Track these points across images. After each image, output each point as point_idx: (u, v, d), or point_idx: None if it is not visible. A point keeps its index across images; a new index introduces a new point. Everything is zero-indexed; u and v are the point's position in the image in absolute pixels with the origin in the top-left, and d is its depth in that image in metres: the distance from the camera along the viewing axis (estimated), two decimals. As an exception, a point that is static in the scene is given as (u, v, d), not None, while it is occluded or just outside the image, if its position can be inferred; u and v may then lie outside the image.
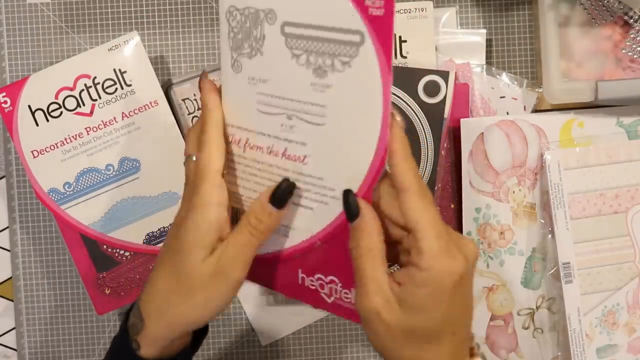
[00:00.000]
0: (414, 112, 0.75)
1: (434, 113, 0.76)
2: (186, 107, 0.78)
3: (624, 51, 0.78)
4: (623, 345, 0.79)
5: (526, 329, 0.80)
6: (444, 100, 0.75)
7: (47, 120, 0.75)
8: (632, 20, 0.77)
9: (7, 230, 0.81)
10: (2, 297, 0.82)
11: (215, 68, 0.79)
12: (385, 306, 0.51)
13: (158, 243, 0.77)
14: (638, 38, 0.77)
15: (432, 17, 0.77)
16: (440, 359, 0.52)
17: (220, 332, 0.82)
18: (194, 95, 0.79)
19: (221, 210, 0.54)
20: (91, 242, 0.76)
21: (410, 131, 0.76)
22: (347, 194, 0.52)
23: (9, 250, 0.81)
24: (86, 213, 0.76)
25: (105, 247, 0.77)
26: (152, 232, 0.77)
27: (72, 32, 0.80)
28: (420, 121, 0.76)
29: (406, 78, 0.75)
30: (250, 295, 0.81)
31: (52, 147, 0.75)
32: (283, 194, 0.54)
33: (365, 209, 0.52)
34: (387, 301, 0.51)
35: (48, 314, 0.77)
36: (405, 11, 0.77)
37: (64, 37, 0.80)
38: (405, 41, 0.77)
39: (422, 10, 0.77)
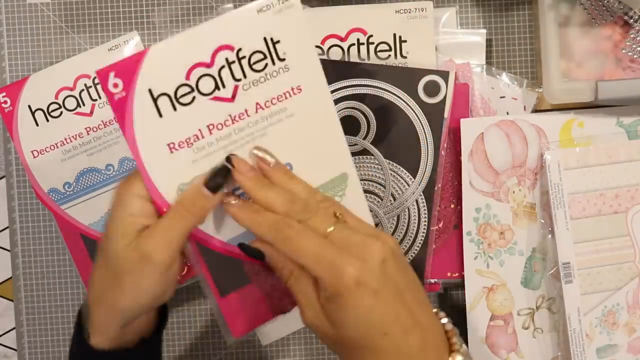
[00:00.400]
0: (414, 112, 0.75)
1: (434, 113, 0.76)
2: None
3: (624, 51, 0.78)
4: (623, 345, 0.79)
5: (526, 329, 0.80)
6: (444, 100, 0.75)
7: (47, 120, 0.75)
8: (632, 20, 0.77)
9: (7, 230, 0.81)
10: (2, 297, 0.83)
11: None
12: (317, 319, 0.55)
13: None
14: (638, 38, 0.77)
15: (432, 17, 0.77)
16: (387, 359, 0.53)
17: (220, 332, 0.82)
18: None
19: (143, 202, 0.56)
20: (91, 242, 0.76)
21: (410, 131, 0.76)
22: (242, 246, 0.58)
23: (9, 250, 0.81)
24: (86, 213, 0.76)
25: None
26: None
27: (72, 32, 0.80)
28: (420, 121, 0.76)
29: (406, 78, 0.75)
30: (250, 295, 0.81)
31: (52, 147, 0.75)
32: (217, 178, 0.56)
33: (264, 247, 0.57)
34: (317, 315, 0.54)
35: (48, 314, 0.77)
36: (405, 11, 0.77)
37: (64, 37, 0.80)
38: (405, 41, 0.77)
39: (422, 10, 0.77)
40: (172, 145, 0.56)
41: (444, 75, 0.75)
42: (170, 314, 0.82)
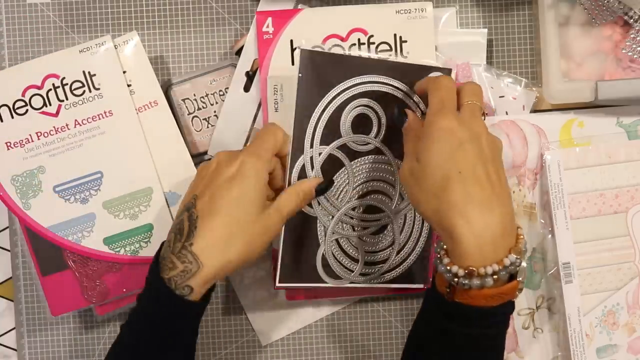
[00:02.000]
0: (419, 108, 0.75)
1: None
2: (186, 107, 0.79)
3: (624, 51, 0.78)
4: (623, 345, 0.79)
5: (526, 329, 0.80)
6: None
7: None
8: (632, 20, 0.77)
9: (7, 230, 0.81)
10: (2, 297, 0.82)
11: (215, 68, 0.79)
12: (412, 163, 0.65)
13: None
14: (638, 38, 0.77)
15: (432, 17, 0.77)
16: (458, 199, 0.60)
17: (220, 332, 0.82)
18: (194, 95, 0.79)
19: (267, 178, 0.69)
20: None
21: None
22: (398, 108, 0.72)
23: (9, 250, 0.81)
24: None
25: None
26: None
27: (72, 32, 0.80)
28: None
29: (409, 74, 0.75)
30: (250, 295, 0.81)
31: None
32: (322, 191, 0.74)
33: (410, 116, 0.70)
34: (413, 161, 0.65)
35: (48, 314, 0.77)
36: (405, 11, 0.77)
37: (64, 37, 0.80)
38: (405, 41, 0.77)
39: (422, 11, 0.77)
40: (9, 144, 0.75)
41: (447, 72, 0.75)
42: (171, 314, 0.82)
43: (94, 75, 0.75)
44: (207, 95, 0.79)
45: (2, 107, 0.75)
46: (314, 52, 0.73)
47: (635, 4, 0.76)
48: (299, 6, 0.78)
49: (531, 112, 0.79)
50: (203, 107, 0.79)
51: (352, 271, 0.76)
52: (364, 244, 0.76)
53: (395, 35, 0.77)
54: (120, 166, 0.76)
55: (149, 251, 0.76)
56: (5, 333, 0.83)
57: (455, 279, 0.59)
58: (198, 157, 0.79)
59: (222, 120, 0.79)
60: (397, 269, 0.77)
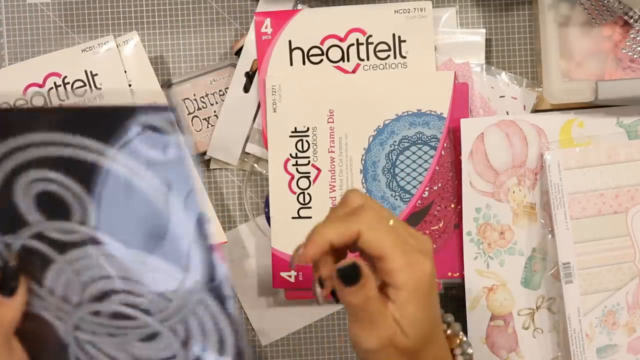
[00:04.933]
0: (135, 172, 0.47)
1: (170, 172, 0.46)
2: (186, 107, 0.79)
3: (624, 51, 0.78)
4: (623, 345, 0.79)
5: (526, 329, 0.80)
6: (179, 152, 0.46)
7: None
8: (632, 20, 0.77)
9: (8, 230, 0.81)
10: (2, 297, 0.82)
11: (215, 68, 0.79)
12: (395, 333, 0.52)
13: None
14: (638, 38, 0.77)
15: (431, 17, 0.77)
16: (437, 356, 0.54)
17: (220, 332, 0.82)
18: (194, 95, 0.79)
19: None
20: None
21: (135, 209, 0.48)
22: (345, 265, 0.52)
23: (9, 250, 0.81)
24: None
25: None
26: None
27: (72, 32, 0.80)
28: (151, 186, 0.47)
29: (106, 125, 0.46)
30: (250, 295, 0.81)
31: None
32: (8, 279, 0.51)
33: (363, 268, 0.52)
34: (394, 329, 0.52)
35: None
36: (405, 11, 0.77)
37: (64, 37, 0.80)
38: (404, 41, 0.77)
39: (421, 10, 0.77)
40: None
41: (163, 113, 0.45)
42: (170, 313, 0.82)
43: (96, 74, 0.75)
44: (207, 95, 0.79)
45: (3, 106, 0.75)
46: None
47: (635, 4, 0.76)
48: (298, 6, 0.78)
49: (531, 112, 0.79)
50: (203, 107, 0.79)
51: None
52: (134, 349, 0.53)
53: (394, 35, 0.77)
54: None
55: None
56: (6, 333, 0.83)
57: None
58: (198, 157, 0.79)
59: (222, 120, 0.79)
60: None
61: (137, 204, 0.47)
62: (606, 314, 0.78)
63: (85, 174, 0.47)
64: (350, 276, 0.51)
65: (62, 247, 0.50)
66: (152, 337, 0.52)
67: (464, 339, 0.59)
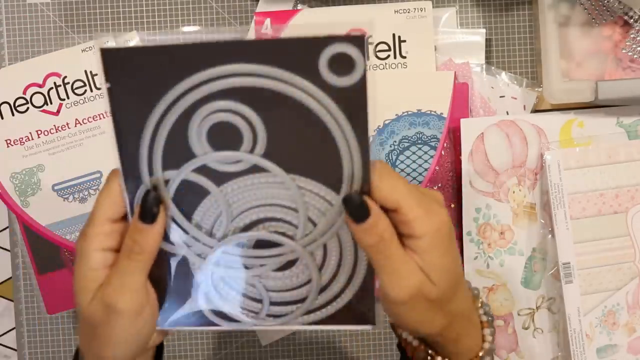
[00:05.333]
0: (319, 101, 0.50)
1: (351, 99, 0.49)
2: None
3: (624, 51, 0.78)
4: (623, 345, 0.79)
5: (526, 329, 0.80)
6: (363, 80, 0.49)
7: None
8: (632, 20, 0.77)
9: (7, 230, 0.81)
10: (2, 297, 0.83)
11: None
12: (423, 282, 0.51)
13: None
14: (638, 38, 0.77)
15: (431, 17, 0.77)
16: (463, 307, 0.54)
17: (220, 332, 0.82)
18: (194, 95, 0.79)
19: (103, 253, 0.53)
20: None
21: (318, 131, 0.50)
22: (352, 198, 0.51)
23: (9, 250, 0.81)
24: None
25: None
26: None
27: (72, 32, 0.80)
28: (331, 114, 0.50)
29: (299, 53, 0.49)
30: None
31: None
32: (149, 206, 0.52)
33: (371, 204, 0.51)
34: (422, 278, 0.51)
35: (48, 314, 0.78)
36: (405, 11, 0.77)
37: (64, 37, 0.80)
38: (404, 41, 0.77)
39: (422, 10, 0.77)
40: (8, 141, 0.76)
41: (357, 42, 0.48)
42: (170, 314, 0.82)
43: (96, 75, 0.76)
44: (207, 95, 0.79)
45: (3, 105, 0.75)
46: (122, 51, 0.51)
47: (635, 4, 0.76)
48: (298, 6, 0.78)
49: (531, 112, 0.79)
50: (203, 107, 0.79)
51: (256, 312, 0.58)
52: (266, 281, 0.57)
53: (394, 35, 0.77)
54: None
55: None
56: (5, 333, 0.83)
57: None
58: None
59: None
60: (325, 309, 0.58)
61: (310, 130, 0.50)
62: (606, 314, 0.78)
63: (267, 102, 0.50)
64: (360, 212, 0.50)
65: (222, 178, 0.53)
66: (289, 264, 0.56)
67: (484, 301, 0.59)
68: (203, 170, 0.53)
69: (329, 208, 0.53)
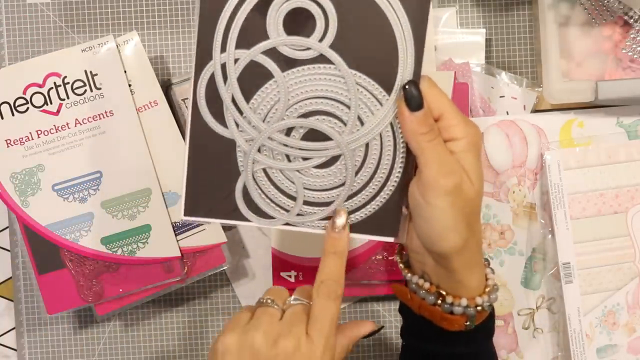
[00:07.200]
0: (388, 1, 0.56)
1: (415, 7, 0.55)
2: (186, 106, 0.79)
3: (624, 51, 0.78)
4: (623, 345, 0.79)
5: (526, 329, 0.80)
6: None
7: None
8: (632, 20, 0.77)
9: (7, 230, 0.81)
10: (2, 297, 0.83)
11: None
12: (464, 178, 0.55)
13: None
14: (638, 38, 0.77)
15: (431, 17, 0.77)
16: (480, 232, 0.58)
17: (220, 331, 0.82)
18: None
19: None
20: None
21: (383, 30, 0.55)
22: (412, 84, 0.55)
23: (9, 250, 0.81)
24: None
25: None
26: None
27: (72, 32, 0.80)
28: (396, 16, 0.55)
29: None
30: (250, 295, 0.81)
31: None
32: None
33: (428, 89, 0.55)
34: (463, 174, 0.55)
35: (48, 314, 0.77)
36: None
37: (64, 37, 0.80)
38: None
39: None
40: (8, 141, 0.75)
41: None
42: (170, 313, 0.82)
43: (96, 75, 0.75)
44: (207, 95, 0.79)
45: (3, 105, 0.75)
46: None
47: (635, 4, 0.76)
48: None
49: (531, 112, 0.79)
50: (203, 107, 0.79)
51: (288, 210, 0.60)
52: (304, 178, 0.59)
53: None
54: (119, 166, 0.76)
55: (146, 252, 0.76)
56: (5, 333, 0.83)
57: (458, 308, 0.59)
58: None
59: (223, 119, 0.79)
60: (352, 216, 0.60)
61: (376, 29, 0.55)
62: (606, 314, 0.78)
63: None
64: (417, 100, 0.54)
65: (289, 63, 0.56)
66: (330, 162, 0.58)
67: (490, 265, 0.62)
68: (272, 53, 0.56)
69: (378, 108, 0.57)
